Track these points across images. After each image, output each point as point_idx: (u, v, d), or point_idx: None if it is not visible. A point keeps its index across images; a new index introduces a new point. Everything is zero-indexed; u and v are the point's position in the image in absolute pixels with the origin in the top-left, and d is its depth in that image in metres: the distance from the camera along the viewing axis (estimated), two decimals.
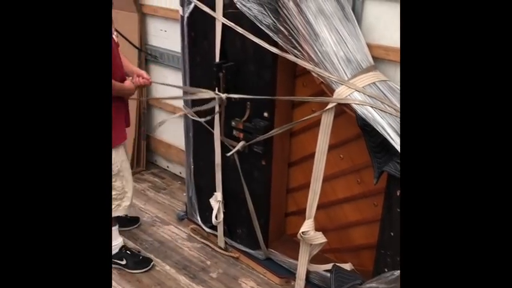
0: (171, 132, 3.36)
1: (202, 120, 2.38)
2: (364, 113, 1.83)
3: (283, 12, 1.91)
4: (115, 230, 2.49)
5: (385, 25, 2.01)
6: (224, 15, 2.12)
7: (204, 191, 2.67)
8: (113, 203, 2.33)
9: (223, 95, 2.19)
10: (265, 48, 1.99)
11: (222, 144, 2.40)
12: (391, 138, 1.76)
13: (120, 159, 2.32)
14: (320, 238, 2.14)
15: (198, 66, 2.40)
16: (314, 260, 2.28)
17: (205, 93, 2.27)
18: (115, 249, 2.50)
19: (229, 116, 2.31)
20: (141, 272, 2.50)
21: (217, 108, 2.29)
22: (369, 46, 2.03)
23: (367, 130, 1.88)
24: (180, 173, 3.45)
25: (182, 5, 2.32)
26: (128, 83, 2.28)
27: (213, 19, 2.17)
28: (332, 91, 1.92)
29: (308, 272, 2.29)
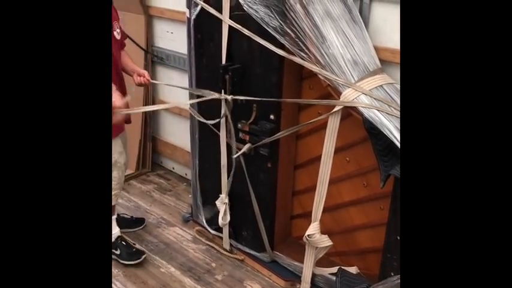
0: (177, 133, 3.36)
1: (209, 122, 2.38)
2: (371, 116, 1.82)
3: (290, 15, 1.90)
4: (113, 219, 2.57)
5: (392, 28, 2.00)
6: (231, 18, 2.12)
7: (209, 193, 2.67)
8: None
9: (229, 97, 2.19)
10: (272, 51, 1.99)
11: (228, 146, 2.40)
12: (398, 141, 1.75)
13: (116, 150, 2.39)
14: (326, 241, 2.13)
15: (204, 68, 2.40)
16: (320, 263, 2.27)
17: (211, 96, 2.26)
18: (112, 238, 2.56)
19: (236, 118, 2.31)
20: (133, 264, 2.55)
21: (223, 111, 2.30)
22: (376, 49, 2.02)
23: (373, 133, 1.88)
24: (186, 174, 3.45)
25: (189, 7, 2.32)
26: (116, 98, 2.12)
27: (220, 21, 2.17)
28: (339, 94, 1.92)
29: (313, 275, 2.28)
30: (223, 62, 2.23)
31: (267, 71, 2.13)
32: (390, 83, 1.94)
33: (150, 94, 3.36)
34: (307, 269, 2.25)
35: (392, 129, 1.78)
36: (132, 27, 3.00)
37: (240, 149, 2.30)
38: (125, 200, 3.13)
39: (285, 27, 1.93)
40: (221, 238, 2.68)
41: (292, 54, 1.96)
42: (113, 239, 2.57)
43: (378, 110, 1.82)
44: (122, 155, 2.45)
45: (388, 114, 1.81)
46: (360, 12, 2.04)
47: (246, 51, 2.17)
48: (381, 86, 1.90)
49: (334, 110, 1.92)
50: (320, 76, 1.95)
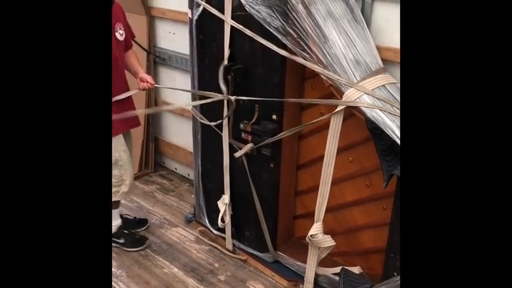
0: (180, 134, 3.37)
1: (212, 123, 2.38)
2: (374, 115, 1.82)
3: (292, 15, 1.90)
4: (115, 212, 2.64)
5: (395, 27, 2.00)
6: (233, 18, 2.12)
7: (212, 193, 2.67)
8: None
9: (233, 97, 2.19)
10: (274, 51, 1.99)
11: (231, 146, 2.40)
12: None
13: (119, 149, 2.42)
14: (329, 241, 2.13)
15: (207, 68, 2.40)
16: (322, 263, 2.27)
17: (215, 97, 2.27)
18: (114, 229, 2.64)
19: (238, 119, 2.31)
20: (138, 250, 2.65)
21: (225, 112, 2.30)
22: (379, 48, 2.02)
23: (376, 133, 1.87)
24: (188, 175, 3.45)
25: (191, 7, 2.32)
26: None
27: (222, 22, 2.17)
28: (341, 94, 1.91)
29: (316, 275, 2.28)
30: (226, 62, 2.23)
31: (269, 71, 2.13)
32: (393, 82, 1.94)
33: (153, 95, 3.37)
34: (310, 269, 2.25)
35: (395, 129, 1.78)
36: (134, 28, 2.99)
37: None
38: (127, 201, 3.13)
39: (287, 28, 1.93)
40: (224, 238, 2.68)
41: (294, 54, 1.96)
42: (115, 230, 2.65)
43: (380, 110, 1.82)
44: (124, 153, 2.47)
45: (390, 114, 1.81)
46: (362, 11, 2.04)
47: (248, 51, 2.17)
48: (384, 85, 1.89)
49: (336, 110, 1.92)
50: (322, 76, 1.95)
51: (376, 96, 1.84)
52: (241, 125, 2.30)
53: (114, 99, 2.26)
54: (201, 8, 2.25)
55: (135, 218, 2.91)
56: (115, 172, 2.44)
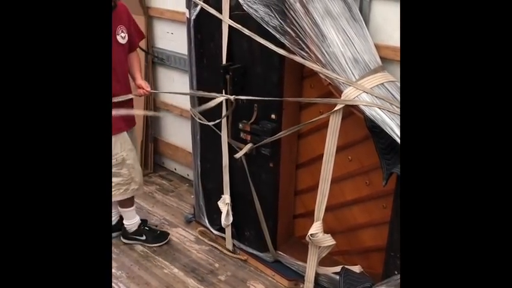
0: (179, 134, 3.36)
1: (210, 123, 2.38)
2: (373, 114, 1.81)
3: (290, 14, 1.90)
4: (132, 210, 2.70)
5: (393, 25, 1.99)
6: (231, 17, 2.12)
7: (211, 194, 2.66)
8: (120, 188, 2.50)
9: (232, 97, 2.19)
10: (272, 50, 1.99)
11: (230, 146, 2.40)
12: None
13: (126, 148, 2.44)
14: (329, 240, 2.13)
15: (205, 68, 2.40)
16: (323, 262, 2.27)
17: (213, 97, 2.26)
18: (134, 227, 2.72)
19: (237, 118, 2.30)
20: (161, 245, 2.72)
21: (224, 112, 2.29)
22: (377, 47, 2.01)
23: (375, 131, 1.87)
24: (188, 175, 3.45)
25: (188, 7, 2.32)
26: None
27: (220, 21, 2.17)
28: (340, 92, 1.91)
29: (317, 275, 2.28)
30: (224, 62, 2.23)
31: (268, 70, 2.12)
32: (391, 80, 1.93)
33: (152, 96, 3.36)
34: (311, 268, 2.25)
35: (394, 127, 1.77)
36: None
37: (241, 149, 2.30)
38: None
39: (285, 26, 1.93)
40: (224, 238, 2.68)
41: (293, 53, 1.95)
42: (136, 227, 2.72)
43: (379, 108, 1.81)
44: (131, 152, 2.49)
45: (389, 112, 1.80)
46: (360, 10, 2.03)
47: (246, 50, 2.16)
48: (382, 84, 1.89)
49: (335, 108, 1.91)
50: (321, 75, 1.94)
51: (375, 95, 1.84)
52: (240, 125, 2.29)
53: (113, 100, 2.26)
54: (198, 8, 2.24)
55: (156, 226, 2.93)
56: (123, 171, 2.46)
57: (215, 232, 2.73)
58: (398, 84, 1.94)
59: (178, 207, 3.17)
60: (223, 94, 2.22)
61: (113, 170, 2.41)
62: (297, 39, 1.92)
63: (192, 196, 2.99)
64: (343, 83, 1.88)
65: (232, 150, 2.39)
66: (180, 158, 3.45)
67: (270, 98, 2.10)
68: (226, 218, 2.54)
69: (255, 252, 2.57)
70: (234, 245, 2.66)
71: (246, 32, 2.05)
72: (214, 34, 2.24)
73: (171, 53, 3.13)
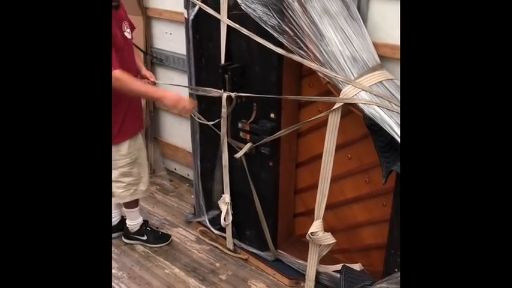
0: (178, 134, 3.36)
1: (210, 123, 2.38)
2: (372, 112, 1.82)
3: (288, 13, 1.90)
4: (136, 211, 2.70)
5: (391, 24, 2.00)
6: (229, 17, 2.12)
7: (211, 193, 2.67)
8: (130, 188, 2.52)
9: (233, 94, 2.19)
10: (271, 49, 1.99)
11: (229, 145, 2.40)
12: (399, 137, 1.75)
13: (137, 147, 2.46)
14: (329, 239, 2.13)
15: (204, 68, 2.40)
16: (323, 260, 2.27)
17: (214, 92, 2.27)
18: (136, 227, 2.74)
19: (236, 118, 2.31)
20: (161, 246, 2.73)
21: (224, 110, 2.30)
22: (376, 45, 2.02)
23: (374, 130, 1.87)
24: (188, 175, 3.45)
25: (187, 7, 2.32)
26: (168, 95, 2.24)
27: (218, 21, 2.17)
28: (339, 91, 1.91)
29: (318, 273, 2.28)
30: (223, 61, 2.23)
31: (267, 69, 2.13)
32: (390, 79, 1.93)
33: None
34: (311, 266, 2.25)
35: (393, 125, 1.78)
36: None
37: (240, 149, 2.30)
38: None
39: (283, 26, 1.93)
40: (224, 238, 2.68)
41: (291, 52, 1.96)
42: (138, 227, 2.73)
43: (378, 106, 1.81)
44: (142, 151, 2.52)
45: (388, 110, 1.81)
46: (358, 8, 2.04)
47: (245, 50, 2.16)
48: (381, 82, 1.89)
49: (334, 107, 1.92)
50: (319, 73, 1.95)
51: (373, 93, 1.84)
52: (240, 124, 2.30)
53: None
54: (196, 8, 2.24)
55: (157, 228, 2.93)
56: (134, 170, 2.48)
57: (216, 232, 2.74)
58: (397, 82, 1.94)
59: (178, 207, 3.17)
60: (224, 91, 2.23)
61: (125, 170, 2.43)
62: (295, 38, 1.92)
63: (192, 196, 2.99)
64: (341, 81, 1.88)
65: (231, 150, 2.39)
66: (180, 158, 3.45)
67: (269, 96, 2.10)
68: (226, 217, 2.54)
69: (255, 251, 2.57)
70: (234, 245, 2.66)
71: (245, 31, 2.05)
72: (213, 34, 2.25)
73: (169, 54, 3.13)
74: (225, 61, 2.23)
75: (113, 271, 2.51)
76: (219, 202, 2.57)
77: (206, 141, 2.58)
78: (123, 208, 2.69)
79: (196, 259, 2.64)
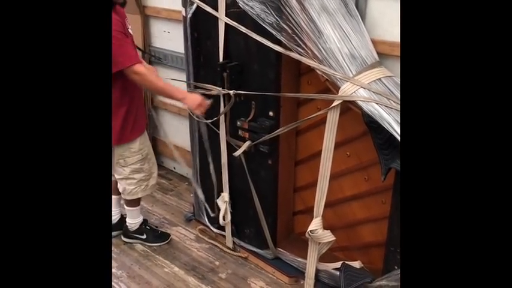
0: (177, 133, 3.36)
1: (209, 121, 2.38)
2: (370, 109, 1.81)
3: (286, 10, 1.89)
4: (137, 209, 2.71)
5: (390, 21, 1.99)
6: (227, 15, 2.11)
7: (211, 192, 2.66)
8: (141, 184, 2.54)
9: (232, 92, 2.18)
10: (269, 47, 1.98)
11: (228, 144, 2.40)
12: (398, 135, 1.75)
13: (146, 143, 2.49)
14: (328, 236, 2.13)
15: (202, 66, 2.39)
16: (323, 258, 2.27)
17: (213, 90, 2.27)
18: (136, 226, 2.74)
19: (235, 116, 2.30)
20: (161, 245, 2.73)
21: (222, 108, 2.29)
22: (374, 42, 2.01)
23: (373, 127, 1.87)
24: (187, 174, 3.44)
25: (185, 5, 2.31)
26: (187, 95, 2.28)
27: (216, 19, 2.16)
28: (337, 88, 1.91)
29: (317, 271, 2.28)
30: (221, 59, 2.22)
31: (265, 67, 2.12)
32: (389, 76, 1.93)
33: (149, 94, 3.36)
34: (311, 264, 2.25)
35: (391, 122, 1.77)
36: None
37: (239, 147, 2.30)
38: None
39: (281, 23, 1.92)
40: (224, 236, 2.68)
41: (290, 50, 1.95)
42: (138, 226, 2.73)
43: (376, 104, 1.81)
44: (150, 147, 2.54)
45: (387, 107, 1.80)
46: (356, 5, 2.03)
47: (243, 48, 2.16)
48: (379, 79, 1.89)
49: (333, 104, 1.91)
50: (318, 71, 1.94)
51: (372, 90, 1.84)
52: (238, 123, 2.29)
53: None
54: (195, 6, 2.24)
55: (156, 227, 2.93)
56: (145, 166, 2.50)
57: (215, 230, 2.73)
58: (396, 79, 1.94)
59: (178, 206, 3.17)
60: (223, 89, 2.22)
61: (136, 167, 2.45)
62: (294, 35, 1.91)
63: (192, 195, 2.99)
64: (340, 79, 1.88)
65: (230, 148, 2.39)
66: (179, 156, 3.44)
67: (268, 93, 2.10)
68: (224, 216, 2.54)
69: (255, 249, 2.57)
70: (234, 243, 2.66)
71: (243, 29, 2.05)
72: (211, 32, 2.24)
73: (168, 52, 3.13)
74: (223, 59, 2.22)
75: (113, 270, 2.51)
76: (217, 201, 2.57)
77: (205, 140, 2.58)
78: (124, 206, 2.69)
79: (196, 258, 2.64)
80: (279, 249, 2.50)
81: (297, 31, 1.90)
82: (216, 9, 2.14)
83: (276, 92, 2.13)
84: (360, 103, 1.84)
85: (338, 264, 2.26)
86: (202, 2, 2.19)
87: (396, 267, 1.96)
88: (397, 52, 1.99)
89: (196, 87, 2.42)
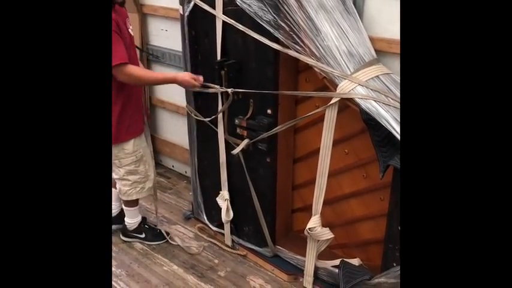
0: (175, 131, 3.36)
1: (207, 119, 2.38)
2: (368, 107, 1.81)
3: (284, 8, 1.89)
4: (135, 209, 2.71)
5: (388, 18, 1.99)
6: (224, 13, 2.11)
7: (209, 190, 2.66)
8: (137, 186, 2.54)
9: (230, 90, 2.18)
10: (267, 45, 1.98)
11: (226, 142, 2.40)
12: (396, 132, 1.75)
13: (142, 145, 2.47)
14: (327, 234, 2.13)
15: (200, 64, 2.39)
16: (322, 256, 2.27)
17: (212, 88, 2.27)
18: (135, 225, 2.74)
19: (233, 114, 2.30)
20: (159, 244, 2.73)
21: (220, 106, 2.29)
22: (372, 39, 2.01)
23: (371, 124, 1.87)
24: (186, 172, 3.44)
25: (182, 3, 2.31)
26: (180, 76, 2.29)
27: (213, 17, 2.16)
28: (335, 86, 1.91)
29: (316, 268, 2.29)
30: (219, 57, 2.22)
31: (263, 65, 2.12)
32: (386, 73, 1.93)
33: (147, 93, 3.36)
34: (310, 262, 2.26)
35: (390, 119, 1.77)
36: None
37: (238, 145, 2.30)
38: None
39: (279, 21, 1.92)
40: (223, 234, 2.68)
41: (287, 47, 1.95)
42: (136, 225, 2.74)
43: (374, 101, 1.81)
44: (146, 148, 2.53)
45: (385, 104, 1.81)
46: (354, 3, 2.03)
47: (240, 46, 2.16)
48: (377, 76, 1.89)
49: (331, 102, 1.91)
50: (316, 69, 1.94)
51: (370, 87, 1.84)
52: (236, 121, 2.29)
53: None
54: (192, 4, 2.23)
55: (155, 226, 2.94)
56: (141, 168, 2.49)
57: (214, 228, 2.74)
58: (394, 77, 1.94)
59: (176, 204, 3.17)
60: (221, 87, 2.22)
61: (131, 168, 2.45)
62: (291, 33, 1.91)
63: (190, 193, 2.99)
64: (338, 76, 1.88)
65: (229, 146, 2.39)
66: (178, 155, 3.44)
67: (266, 91, 2.10)
68: (226, 213, 2.54)
69: (254, 247, 2.57)
70: (233, 241, 2.67)
71: (240, 27, 2.04)
72: (208, 30, 2.24)
73: (166, 50, 3.12)
74: (221, 57, 2.22)
75: (112, 269, 2.51)
76: (217, 199, 2.57)
77: (203, 138, 2.58)
78: (123, 206, 2.69)
79: (195, 256, 2.64)
80: (278, 247, 2.50)
81: (294, 29, 1.90)
82: (214, 7, 2.13)
83: (274, 89, 2.13)
84: (358, 100, 1.84)
85: (337, 262, 2.26)
86: (199, 0, 2.18)
87: (395, 264, 1.97)
88: (395, 49, 1.99)
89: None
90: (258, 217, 2.41)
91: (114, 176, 2.50)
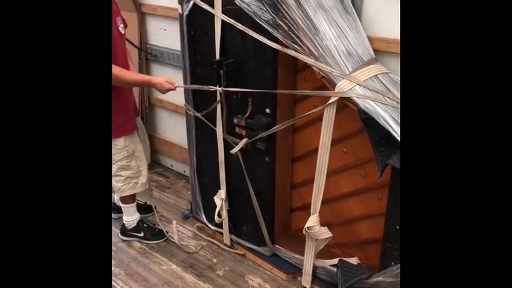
0: (174, 130, 3.36)
1: (201, 115, 2.39)
2: (367, 106, 1.82)
3: (282, 7, 1.89)
4: (133, 206, 2.71)
5: (386, 18, 2.00)
6: (223, 12, 2.11)
7: (208, 189, 2.67)
8: (130, 181, 2.54)
9: (220, 88, 2.20)
10: (266, 44, 1.99)
11: (225, 141, 2.40)
12: (394, 131, 1.75)
13: (133, 141, 2.48)
14: (325, 233, 2.14)
15: (199, 64, 2.39)
16: (320, 255, 2.28)
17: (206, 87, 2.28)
18: (133, 224, 2.74)
19: (232, 113, 2.30)
20: (158, 243, 2.73)
21: (219, 108, 2.29)
22: (370, 39, 2.02)
23: (369, 123, 1.87)
24: (184, 171, 3.45)
25: (181, 3, 2.31)
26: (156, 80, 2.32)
27: (212, 16, 2.16)
28: (334, 85, 1.91)
29: (314, 267, 2.29)
30: (217, 57, 2.22)
31: (261, 64, 2.12)
32: (385, 72, 1.94)
33: (146, 92, 3.36)
34: (308, 261, 2.26)
35: (388, 119, 1.78)
36: None
37: (236, 144, 2.30)
38: None
39: (278, 20, 1.92)
40: (221, 234, 2.68)
41: (286, 47, 1.95)
42: (135, 224, 2.74)
43: (372, 100, 1.82)
44: (138, 144, 2.53)
45: (383, 104, 1.81)
46: (353, 2, 2.03)
47: (239, 45, 2.16)
48: (376, 76, 1.89)
49: (329, 101, 1.92)
50: (314, 68, 1.94)
51: (368, 87, 1.84)
52: (235, 120, 2.29)
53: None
54: (191, 3, 2.23)
55: (145, 203, 3.00)
56: (133, 163, 2.50)
57: (212, 227, 2.74)
58: (392, 76, 1.94)
59: (175, 203, 3.17)
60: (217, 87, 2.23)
61: (123, 163, 2.46)
62: (290, 32, 1.92)
63: (189, 192, 2.99)
64: (336, 75, 1.88)
65: (227, 146, 2.39)
66: (176, 154, 3.44)
67: (262, 90, 2.10)
68: (219, 213, 2.54)
69: (252, 246, 2.58)
70: (231, 240, 2.67)
71: (239, 26, 2.05)
72: (207, 29, 2.24)
73: (164, 50, 3.12)
74: (220, 56, 2.22)
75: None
76: (214, 198, 2.57)
77: (202, 137, 2.58)
78: (120, 203, 2.69)
79: (194, 255, 2.64)
80: (277, 246, 2.51)
81: (293, 28, 1.90)
82: (213, 7, 2.14)
83: (272, 89, 2.13)
84: (356, 100, 1.85)
85: (335, 261, 2.26)
86: None
87: (393, 263, 1.97)
88: (393, 49, 2.00)
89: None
90: (256, 216, 2.41)
91: None
